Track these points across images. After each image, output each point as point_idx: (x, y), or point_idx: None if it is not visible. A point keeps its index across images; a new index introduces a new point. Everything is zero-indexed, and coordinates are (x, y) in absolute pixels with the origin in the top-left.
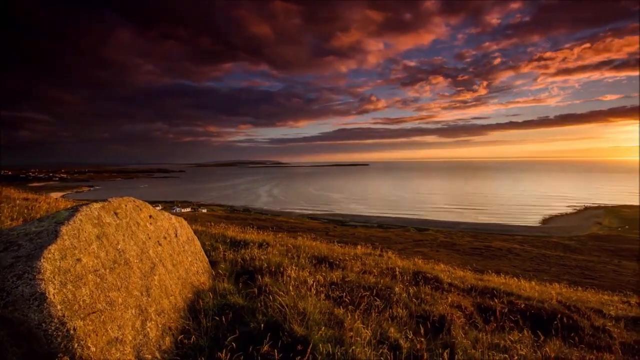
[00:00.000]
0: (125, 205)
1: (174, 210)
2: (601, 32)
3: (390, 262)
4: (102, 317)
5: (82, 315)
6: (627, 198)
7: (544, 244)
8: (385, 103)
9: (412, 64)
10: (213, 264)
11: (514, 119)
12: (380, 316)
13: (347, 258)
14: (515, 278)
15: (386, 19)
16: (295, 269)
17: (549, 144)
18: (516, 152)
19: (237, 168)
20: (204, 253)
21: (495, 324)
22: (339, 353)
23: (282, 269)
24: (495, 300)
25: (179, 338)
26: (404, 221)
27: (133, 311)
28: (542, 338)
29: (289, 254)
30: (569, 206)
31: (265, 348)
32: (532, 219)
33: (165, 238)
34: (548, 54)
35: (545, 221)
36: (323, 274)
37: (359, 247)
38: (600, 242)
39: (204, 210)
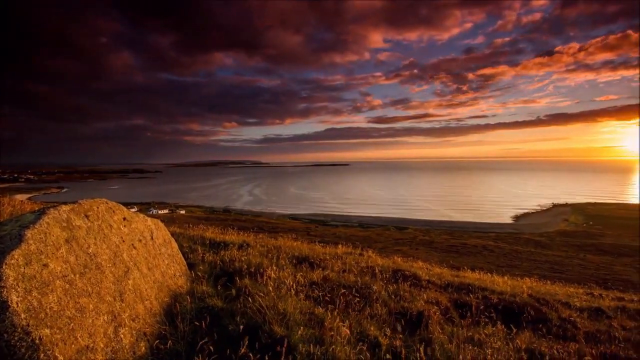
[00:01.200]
0: (97, 207)
1: (151, 212)
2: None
3: (370, 261)
4: (72, 324)
5: (49, 324)
6: (591, 196)
7: (516, 240)
8: (381, 102)
9: (413, 60)
10: (191, 266)
11: (504, 120)
12: (360, 314)
13: (327, 257)
14: (489, 274)
15: (393, 12)
16: (276, 270)
17: (535, 144)
18: (503, 151)
19: (217, 168)
20: (181, 255)
21: (470, 319)
22: (318, 352)
23: (262, 269)
24: (471, 295)
25: (155, 343)
26: (385, 220)
27: (105, 317)
28: (514, 331)
29: (270, 255)
30: (538, 204)
31: (243, 350)
32: (505, 217)
33: (140, 241)
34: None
35: (517, 218)
36: (303, 274)
37: (339, 246)
38: (567, 238)
39: (183, 212)
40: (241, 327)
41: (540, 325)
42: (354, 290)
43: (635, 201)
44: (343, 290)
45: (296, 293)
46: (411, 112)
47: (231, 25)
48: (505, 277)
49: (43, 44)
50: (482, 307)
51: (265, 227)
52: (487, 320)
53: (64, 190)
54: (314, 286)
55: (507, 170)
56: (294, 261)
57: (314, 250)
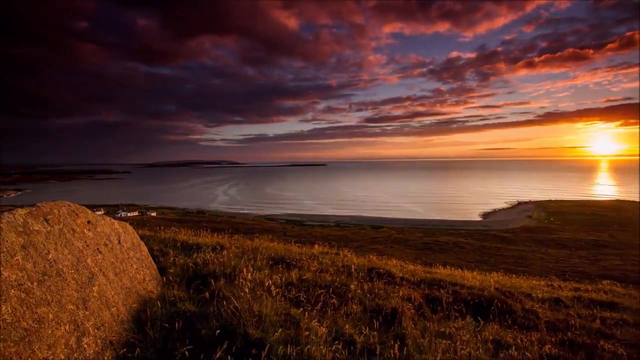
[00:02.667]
0: (58, 211)
1: (119, 215)
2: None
3: (346, 260)
4: (28, 336)
5: (1, 337)
6: (553, 194)
7: (484, 237)
8: (378, 100)
9: (417, 57)
10: (162, 270)
11: (492, 121)
12: (336, 313)
13: (304, 258)
14: (460, 269)
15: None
16: (251, 271)
17: (506, 143)
18: (481, 152)
19: (190, 169)
20: (151, 259)
21: (441, 313)
22: (294, 353)
23: (237, 271)
24: (442, 291)
25: (122, 352)
26: (360, 219)
27: (67, 327)
28: (482, 323)
29: (245, 256)
30: (505, 202)
31: (218, 354)
32: (475, 215)
33: (106, 245)
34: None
35: (486, 216)
36: (280, 274)
37: (316, 246)
38: (531, 234)
39: (154, 214)
40: (216, 331)
41: (506, 317)
42: (330, 289)
43: (589, 197)
44: (319, 290)
45: (272, 294)
46: (399, 112)
47: (222, 9)
48: (475, 272)
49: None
50: (452, 302)
51: (241, 228)
52: (457, 314)
53: (23, 192)
54: (290, 287)
55: (480, 170)
56: (270, 262)
57: (291, 250)
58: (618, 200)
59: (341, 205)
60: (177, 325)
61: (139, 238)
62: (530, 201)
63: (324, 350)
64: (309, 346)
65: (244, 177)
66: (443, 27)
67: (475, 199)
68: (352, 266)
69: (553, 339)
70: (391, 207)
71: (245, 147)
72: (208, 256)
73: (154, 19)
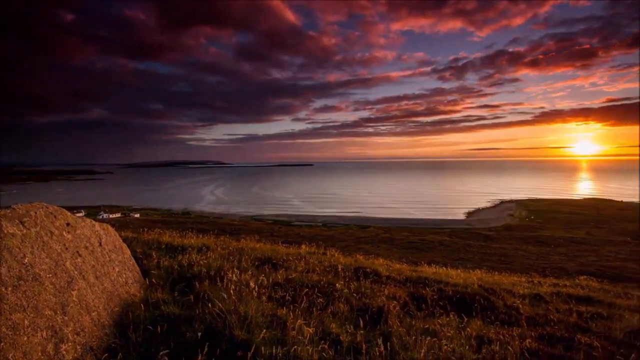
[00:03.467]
0: (35, 213)
1: (100, 217)
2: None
3: (333, 260)
4: (2, 344)
5: None
6: (533, 193)
7: (468, 235)
8: (374, 99)
9: (423, 56)
10: (145, 273)
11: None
12: (323, 313)
13: (291, 258)
14: (444, 267)
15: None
16: (237, 272)
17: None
18: (471, 152)
19: (174, 169)
20: (134, 262)
21: (427, 311)
22: (280, 354)
23: (223, 273)
24: (427, 289)
25: (103, 357)
26: (348, 219)
27: (44, 333)
28: (466, 319)
29: (231, 257)
30: (488, 201)
31: (202, 357)
32: (460, 213)
33: (86, 248)
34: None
35: (470, 215)
36: (266, 275)
37: (303, 246)
38: (512, 232)
39: (137, 215)
40: (200, 333)
41: (489, 313)
42: (316, 289)
43: (568, 196)
44: (306, 290)
45: (258, 295)
46: (395, 112)
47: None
48: (459, 270)
49: None
50: (437, 299)
51: (228, 229)
52: (442, 311)
53: None
54: (276, 287)
55: (467, 170)
56: (256, 263)
57: (277, 251)
58: (594, 199)
59: (328, 205)
60: (160, 328)
61: (121, 240)
62: (512, 200)
63: (310, 350)
64: (295, 346)
65: (230, 177)
66: (455, 25)
67: (460, 198)
68: (339, 266)
69: (533, 334)
70: (377, 206)
71: (233, 147)
72: (193, 258)
73: (145, 11)
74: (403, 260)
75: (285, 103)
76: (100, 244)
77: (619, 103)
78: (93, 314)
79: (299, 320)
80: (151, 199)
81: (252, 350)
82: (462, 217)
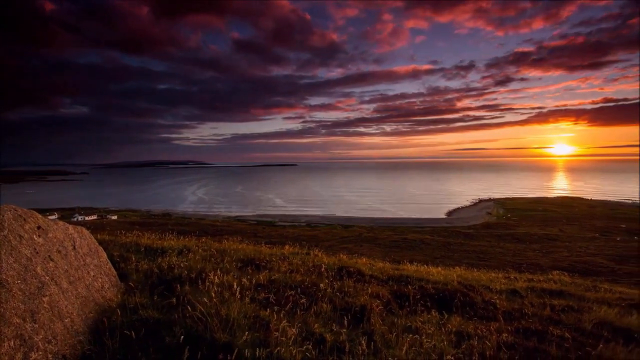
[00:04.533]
0: (2, 216)
1: (75, 219)
2: None
3: (316, 260)
4: None
5: None
6: (510, 192)
7: (449, 233)
8: (368, 99)
9: (432, 57)
10: (123, 276)
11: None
12: (306, 313)
13: (274, 259)
14: (426, 265)
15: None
16: (219, 274)
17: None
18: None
19: (153, 169)
20: (111, 265)
21: (408, 308)
22: (263, 355)
23: (204, 275)
24: (409, 286)
25: None
26: (332, 219)
27: (12, 343)
28: (446, 316)
29: (213, 259)
30: (467, 200)
31: None
32: (440, 212)
33: (59, 252)
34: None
35: (450, 213)
36: (249, 276)
37: (286, 247)
38: (490, 230)
39: (114, 217)
40: (181, 337)
41: (468, 309)
42: (300, 289)
43: (543, 195)
44: (289, 291)
45: (241, 297)
46: (386, 113)
47: None
48: (439, 268)
49: None
50: (418, 297)
51: (210, 230)
52: (423, 308)
53: None
54: (259, 288)
55: (453, 170)
56: (239, 264)
57: (261, 251)
58: (566, 197)
59: (312, 205)
60: (138, 333)
61: (97, 243)
62: (490, 199)
63: (293, 351)
64: (278, 347)
65: (212, 178)
66: (473, 24)
67: (441, 198)
68: (323, 266)
69: (509, 328)
70: (361, 206)
71: (218, 147)
72: (174, 260)
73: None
74: (386, 259)
75: (277, 101)
76: (74, 248)
77: (611, 104)
78: (66, 320)
79: (282, 321)
80: (130, 200)
81: (234, 353)
82: (442, 216)
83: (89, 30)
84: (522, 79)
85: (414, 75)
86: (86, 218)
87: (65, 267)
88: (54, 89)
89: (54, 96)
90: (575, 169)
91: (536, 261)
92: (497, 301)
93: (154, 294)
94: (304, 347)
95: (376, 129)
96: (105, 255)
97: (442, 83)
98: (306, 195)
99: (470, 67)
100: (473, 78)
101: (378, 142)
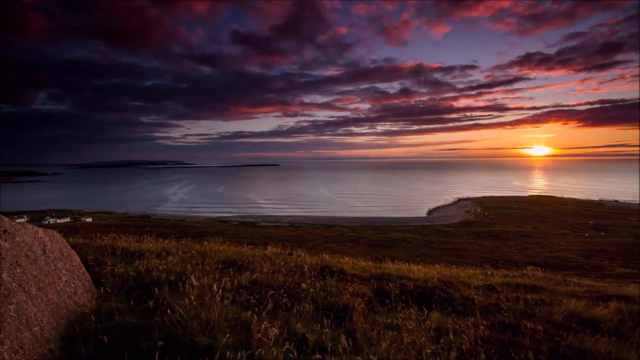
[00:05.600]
0: None
1: (46, 222)
2: None
3: (299, 260)
4: None
5: None
6: (487, 190)
7: (429, 231)
8: (364, 95)
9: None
10: (98, 281)
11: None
12: (289, 313)
13: (256, 260)
14: (407, 263)
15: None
16: (199, 276)
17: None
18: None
19: (131, 170)
20: (84, 270)
21: (390, 306)
22: (245, 357)
23: (184, 277)
24: (391, 284)
25: None
26: (315, 219)
27: None
28: (426, 312)
29: (193, 261)
30: (447, 199)
31: None
32: (421, 211)
33: (27, 257)
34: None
35: (430, 212)
36: (230, 278)
37: (269, 247)
38: (468, 228)
39: (89, 220)
40: (159, 342)
41: (447, 305)
42: (282, 290)
43: (518, 193)
44: (272, 292)
45: (222, 299)
46: (378, 114)
47: None
48: (420, 265)
49: None
50: (400, 294)
51: (190, 232)
52: (404, 305)
53: None
54: (241, 290)
55: (437, 169)
56: (220, 266)
57: (242, 252)
58: (539, 196)
59: (295, 206)
60: (114, 339)
61: (69, 247)
62: (468, 198)
63: (275, 352)
64: (260, 349)
65: (194, 179)
66: (497, 27)
67: (423, 197)
68: (305, 266)
69: (486, 322)
70: (344, 206)
71: (200, 147)
72: (152, 263)
73: None
74: (368, 257)
75: (269, 98)
76: (45, 252)
77: (597, 106)
78: (35, 328)
79: (264, 323)
80: (105, 201)
81: (216, 356)
82: (423, 214)
83: (69, 18)
84: (525, 79)
85: (414, 74)
86: (58, 221)
87: (35, 272)
88: (24, 83)
89: (27, 90)
90: (552, 168)
91: (511, 257)
92: (475, 297)
93: (131, 299)
94: (285, 347)
95: (368, 129)
96: (78, 259)
97: (441, 82)
98: (289, 196)
99: (472, 66)
100: (474, 78)
101: (369, 142)
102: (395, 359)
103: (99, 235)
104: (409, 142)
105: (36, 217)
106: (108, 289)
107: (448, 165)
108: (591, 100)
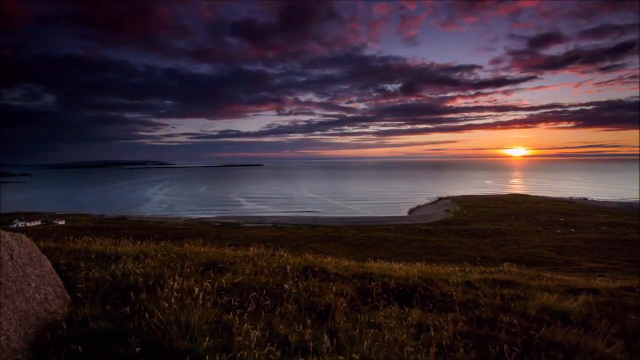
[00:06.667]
0: None
1: (14, 225)
2: None
3: (282, 260)
4: None
5: None
6: (467, 190)
7: (411, 230)
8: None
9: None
10: (71, 286)
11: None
12: (271, 315)
13: (238, 261)
14: (389, 262)
15: None
16: (179, 280)
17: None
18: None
19: (108, 170)
20: (56, 275)
21: (372, 304)
22: (226, 359)
23: (162, 281)
24: (373, 283)
25: None
26: (298, 219)
27: None
28: (407, 310)
29: (172, 264)
30: (428, 198)
31: None
32: (403, 210)
33: None
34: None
35: (411, 211)
36: (211, 280)
37: (251, 248)
38: (448, 226)
39: (62, 222)
40: (136, 348)
41: (427, 302)
42: (264, 291)
43: (494, 192)
44: (254, 293)
45: (202, 302)
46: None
47: None
48: (401, 264)
49: None
50: (382, 292)
51: (170, 234)
52: (386, 303)
53: None
54: (222, 292)
55: (421, 169)
56: (201, 268)
57: (224, 254)
58: (514, 194)
59: (278, 206)
60: (88, 347)
61: (39, 251)
62: (448, 197)
63: (257, 354)
64: (241, 351)
65: (176, 179)
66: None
67: (405, 196)
68: (288, 266)
69: (464, 318)
70: (328, 206)
71: (182, 146)
72: (129, 267)
73: None
74: (351, 257)
75: (260, 97)
76: (12, 257)
77: (590, 107)
78: (0, 338)
79: (245, 325)
80: (80, 203)
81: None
82: (405, 214)
83: (53, 5)
84: (521, 80)
85: (415, 72)
86: (28, 224)
87: (2, 279)
88: None
89: None
90: (531, 168)
91: (489, 254)
92: (454, 293)
93: (107, 304)
94: (267, 349)
95: (360, 129)
96: (49, 264)
97: (440, 82)
98: (272, 196)
99: (474, 66)
100: (472, 78)
101: (356, 142)
102: (377, 357)
103: (72, 238)
104: (395, 142)
105: (4, 221)
106: (81, 295)
107: (432, 165)
108: (583, 101)
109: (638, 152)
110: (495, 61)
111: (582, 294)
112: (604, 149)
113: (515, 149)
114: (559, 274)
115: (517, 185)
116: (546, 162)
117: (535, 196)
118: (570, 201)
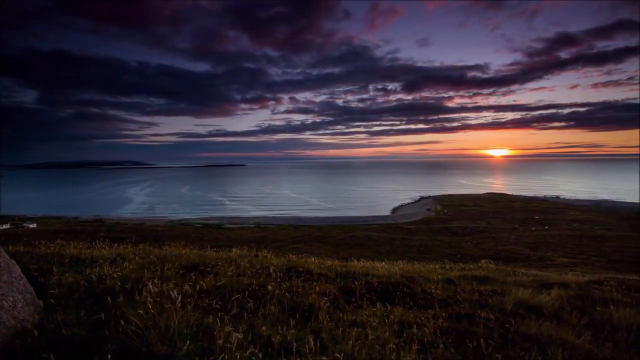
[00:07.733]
0: None
1: None
2: None
3: (265, 261)
4: None
5: None
6: (448, 189)
7: (393, 229)
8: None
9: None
10: (43, 292)
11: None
12: (254, 316)
13: (220, 263)
14: (372, 261)
15: None
16: (158, 283)
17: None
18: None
19: (84, 170)
20: (26, 281)
21: (355, 303)
22: None
23: (141, 285)
24: (356, 282)
25: None
26: (282, 219)
27: None
28: (389, 308)
29: (152, 267)
30: (410, 197)
31: None
32: (386, 210)
33: None
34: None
35: (394, 210)
36: (192, 283)
37: (234, 249)
38: (429, 225)
39: (33, 226)
40: (111, 355)
41: (409, 299)
42: (247, 293)
43: (474, 191)
44: (236, 295)
45: (182, 305)
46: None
47: None
48: (384, 263)
49: None
50: (365, 291)
51: (150, 236)
52: (368, 302)
53: None
54: (204, 295)
55: (404, 168)
56: (181, 271)
57: (206, 256)
58: (492, 193)
59: (262, 206)
60: (60, 355)
61: (7, 256)
62: (429, 196)
63: (239, 356)
64: (223, 354)
65: (157, 179)
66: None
67: (388, 195)
68: (271, 267)
69: (444, 314)
70: (312, 206)
71: (164, 146)
72: (105, 271)
73: None
74: (335, 257)
75: (255, 95)
76: None
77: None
78: None
79: (227, 327)
80: (53, 205)
81: None
82: (388, 213)
83: None
84: (521, 81)
85: (415, 72)
86: None
87: None
88: None
89: None
90: (509, 168)
91: (468, 252)
92: (434, 290)
93: (81, 310)
94: (249, 351)
95: (350, 128)
96: (18, 269)
97: (439, 81)
98: (255, 196)
99: (475, 66)
100: (476, 77)
101: (343, 142)
102: (360, 355)
103: (44, 242)
104: (382, 142)
105: None
106: (54, 301)
107: (416, 165)
108: (579, 101)
109: (611, 153)
110: (497, 61)
111: (555, 289)
112: (580, 149)
113: (500, 150)
114: (533, 270)
115: (495, 185)
116: (525, 162)
117: (512, 195)
118: (544, 199)
